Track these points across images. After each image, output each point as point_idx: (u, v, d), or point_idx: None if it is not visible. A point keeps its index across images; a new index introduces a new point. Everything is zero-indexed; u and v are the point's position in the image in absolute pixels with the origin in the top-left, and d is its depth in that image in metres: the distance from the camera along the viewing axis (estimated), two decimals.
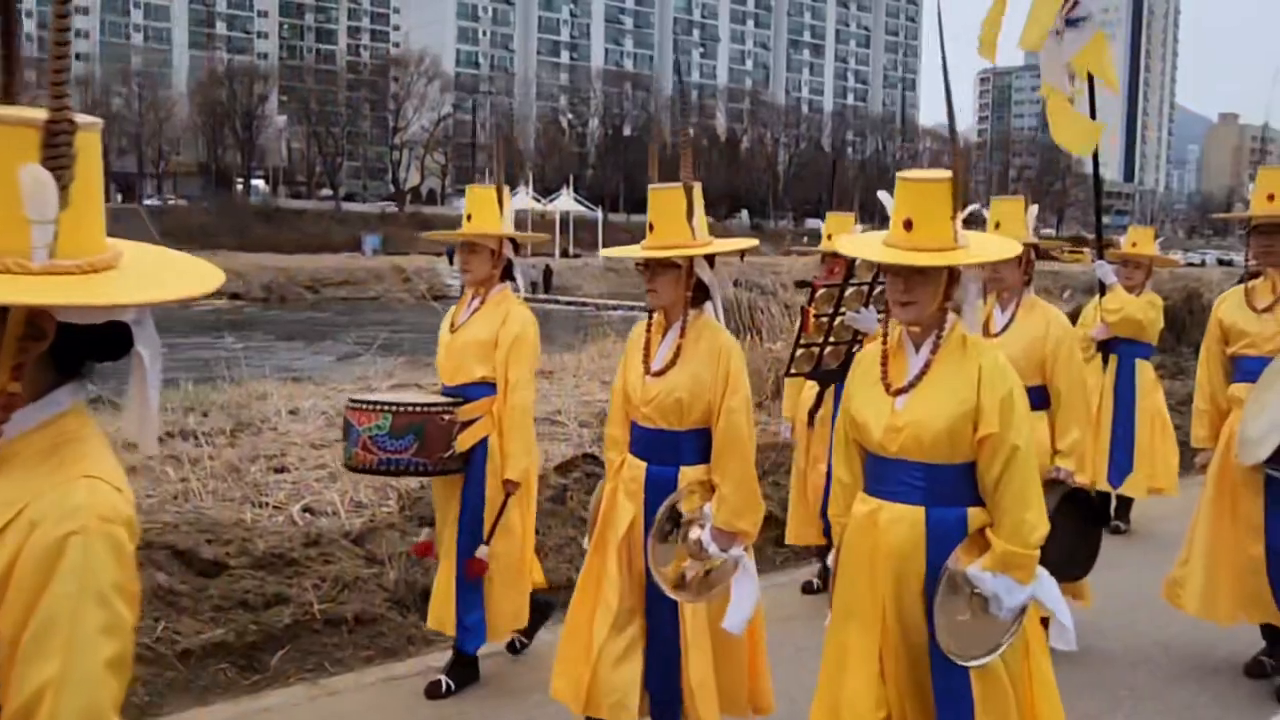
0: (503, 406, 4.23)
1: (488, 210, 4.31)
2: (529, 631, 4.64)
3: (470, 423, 4.20)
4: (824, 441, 5.04)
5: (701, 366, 3.35)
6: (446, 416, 4.15)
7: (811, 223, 76.82)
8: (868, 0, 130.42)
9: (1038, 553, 2.76)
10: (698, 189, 3.37)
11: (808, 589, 5.71)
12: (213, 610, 4.56)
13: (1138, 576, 5.74)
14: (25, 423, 1.32)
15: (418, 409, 4.15)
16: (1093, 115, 5.76)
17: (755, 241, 4.07)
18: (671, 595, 3.35)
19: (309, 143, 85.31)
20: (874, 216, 2.96)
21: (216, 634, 4.43)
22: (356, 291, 47.93)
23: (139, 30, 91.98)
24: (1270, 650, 4.58)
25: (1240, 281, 4.79)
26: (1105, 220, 6.20)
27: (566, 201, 57.01)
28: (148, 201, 72.85)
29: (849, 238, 4.43)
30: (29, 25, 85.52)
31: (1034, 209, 4.90)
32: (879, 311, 3.00)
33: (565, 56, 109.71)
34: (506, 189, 4.43)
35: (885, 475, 2.85)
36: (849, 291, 4.99)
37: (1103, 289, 6.64)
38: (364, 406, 4.20)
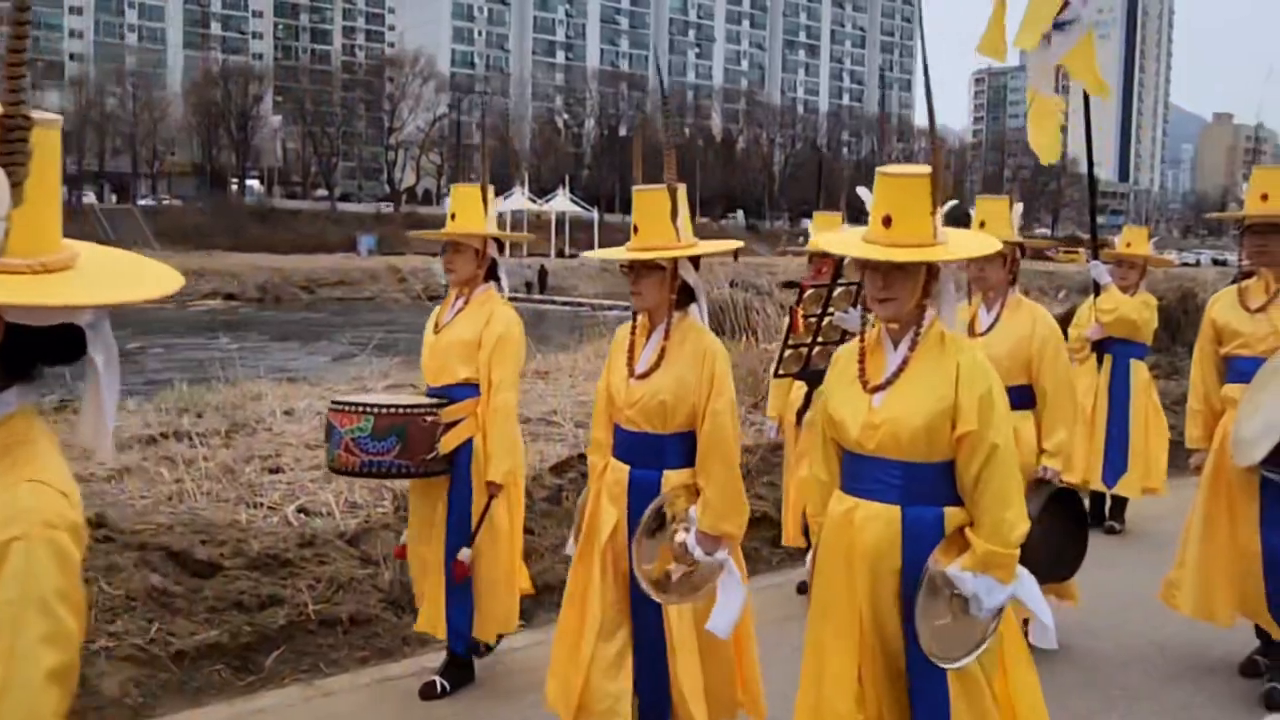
0: (486, 408, 4.19)
1: (472, 209, 4.27)
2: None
3: (454, 424, 4.17)
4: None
5: (686, 369, 3.32)
6: (429, 418, 4.12)
7: (807, 223, 76.32)
8: (863, 1, 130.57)
9: (1018, 551, 2.73)
10: (682, 190, 3.35)
11: (803, 589, 5.71)
12: (207, 611, 4.55)
13: (1132, 576, 5.74)
14: None
15: (400, 410, 4.12)
16: (1088, 123, 5.82)
17: (740, 243, 4.06)
18: (654, 596, 3.32)
19: (304, 143, 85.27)
20: (863, 216, 2.94)
21: (211, 635, 4.42)
22: (352, 292, 47.89)
23: (133, 30, 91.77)
24: (1265, 649, 4.58)
25: (1234, 281, 4.79)
26: (1100, 220, 6.24)
27: (562, 202, 57.02)
28: (142, 202, 72.80)
29: (829, 234, 4.43)
30: None
31: (1019, 208, 4.91)
32: (864, 311, 2.98)
33: (561, 57, 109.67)
34: (491, 188, 4.38)
35: (862, 473, 2.83)
36: (837, 292, 4.99)
37: (1097, 289, 6.65)
38: (346, 408, 4.16)
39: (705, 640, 3.34)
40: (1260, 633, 4.57)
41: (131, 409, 8.40)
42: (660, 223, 3.30)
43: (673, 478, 3.37)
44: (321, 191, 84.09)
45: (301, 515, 5.81)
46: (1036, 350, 4.47)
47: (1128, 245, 7.04)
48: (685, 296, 3.41)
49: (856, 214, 3.19)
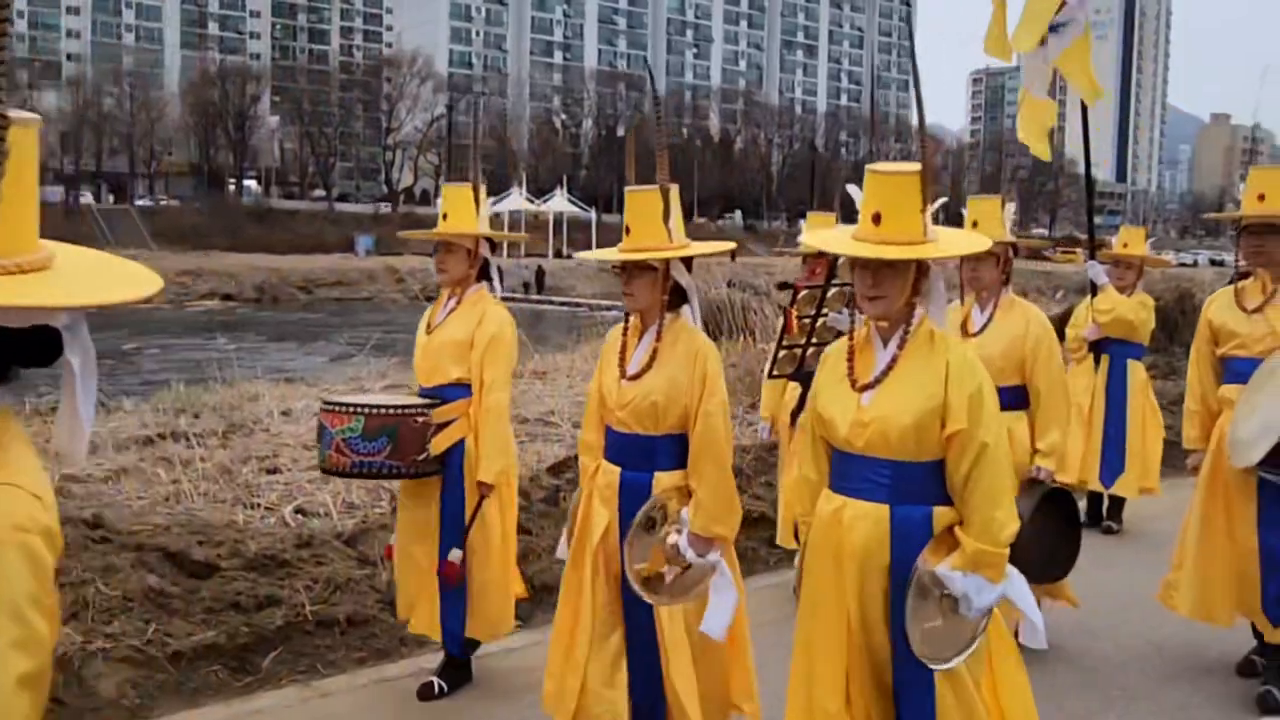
0: (478, 408, 4.17)
1: (464, 209, 4.25)
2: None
3: (446, 425, 4.15)
4: None
5: (678, 369, 3.31)
6: (420, 419, 4.10)
7: (804, 223, 76.71)
8: (861, 1, 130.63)
9: (1008, 550, 2.72)
10: (674, 191, 3.33)
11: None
12: (204, 612, 4.54)
13: (1130, 576, 5.75)
14: None
15: (390, 411, 4.10)
16: (1085, 123, 5.83)
17: (733, 245, 4.05)
18: (645, 597, 3.31)
19: (302, 143, 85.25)
20: (857, 216, 2.93)
21: (208, 636, 4.41)
22: (349, 292, 47.87)
23: (130, 30, 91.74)
24: (1261, 649, 4.58)
25: (1231, 282, 4.78)
26: (1098, 220, 6.24)
27: (560, 202, 57.00)
28: (139, 202, 72.74)
29: (817, 232, 4.42)
30: (20, 24, 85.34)
31: (1010, 207, 4.91)
32: (853, 309, 2.97)
33: (559, 57, 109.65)
34: (483, 187, 4.36)
35: (851, 472, 2.81)
36: (831, 293, 4.99)
37: (1094, 289, 6.66)
38: (337, 409, 4.15)
39: (698, 641, 3.33)
40: (1257, 632, 4.57)
41: (128, 409, 8.40)
42: (652, 224, 3.29)
43: (664, 480, 3.35)
44: (319, 192, 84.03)
45: (299, 516, 5.80)
46: (1030, 350, 4.47)
47: (1125, 246, 7.04)
48: (677, 298, 3.40)
49: (851, 214, 3.17)
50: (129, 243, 57.53)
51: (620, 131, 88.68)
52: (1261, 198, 4.36)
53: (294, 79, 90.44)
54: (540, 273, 45.91)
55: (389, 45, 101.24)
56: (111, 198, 73.34)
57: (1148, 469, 6.93)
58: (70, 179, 71.22)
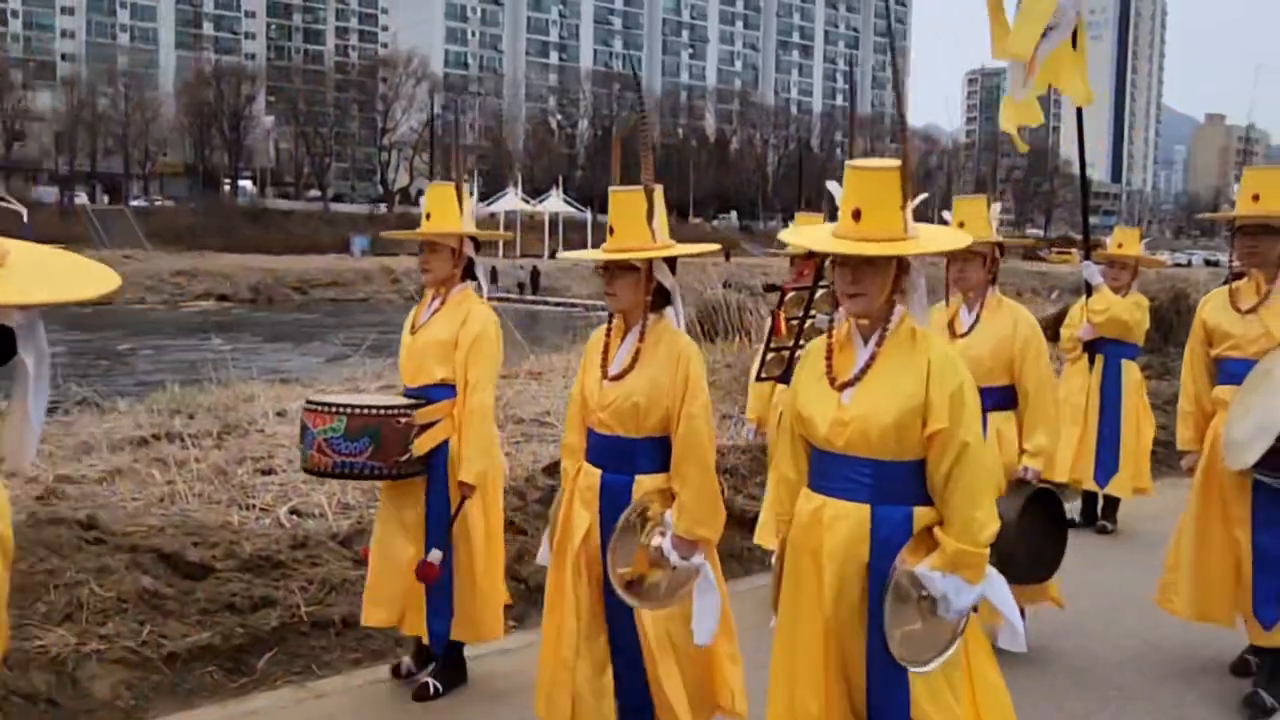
0: (462, 408, 4.15)
1: (447, 208, 4.22)
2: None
3: (429, 425, 4.13)
4: None
5: (660, 371, 3.28)
6: (403, 419, 4.07)
7: None
8: (856, 1, 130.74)
9: (988, 551, 2.70)
10: (659, 192, 3.31)
11: None
12: (199, 613, 4.53)
13: (1124, 576, 5.76)
14: None
15: (373, 411, 4.07)
16: (1080, 129, 5.84)
17: (717, 247, 4.03)
18: (627, 600, 3.29)
19: (297, 143, 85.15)
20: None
21: (203, 637, 4.40)
22: (345, 293, 47.87)
23: (125, 30, 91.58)
24: (1255, 649, 4.59)
25: (1225, 282, 4.79)
26: (1093, 221, 6.23)
27: (556, 202, 57.04)
28: (134, 202, 72.62)
29: (796, 229, 4.41)
30: (14, 25, 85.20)
31: (996, 207, 4.91)
32: (834, 307, 2.96)
33: (554, 57, 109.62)
34: (465, 187, 4.33)
35: (830, 471, 2.79)
36: (819, 294, 4.99)
37: (1089, 289, 6.67)
38: (319, 408, 4.12)
39: (681, 642, 3.32)
40: None
41: (123, 410, 8.39)
42: (636, 224, 3.27)
43: (645, 483, 3.32)
44: (314, 192, 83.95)
45: (294, 517, 5.80)
46: (1019, 350, 4.47)
47: (1119, 246, 7.05)
48: (661, 299, 3.37)
49: (837, 213, 3.17)
50: (124, 243, 57.50)
51: (616, 132, 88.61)
52: (1256, 198, 4.36)
53: (289, 79, 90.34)
54: (535, 273, 45.92)
55: (384, 45, 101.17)
56: (106, 198, 73.22)
57: (1141, 469, 6.95)
58: (65, 179, 71.13)
